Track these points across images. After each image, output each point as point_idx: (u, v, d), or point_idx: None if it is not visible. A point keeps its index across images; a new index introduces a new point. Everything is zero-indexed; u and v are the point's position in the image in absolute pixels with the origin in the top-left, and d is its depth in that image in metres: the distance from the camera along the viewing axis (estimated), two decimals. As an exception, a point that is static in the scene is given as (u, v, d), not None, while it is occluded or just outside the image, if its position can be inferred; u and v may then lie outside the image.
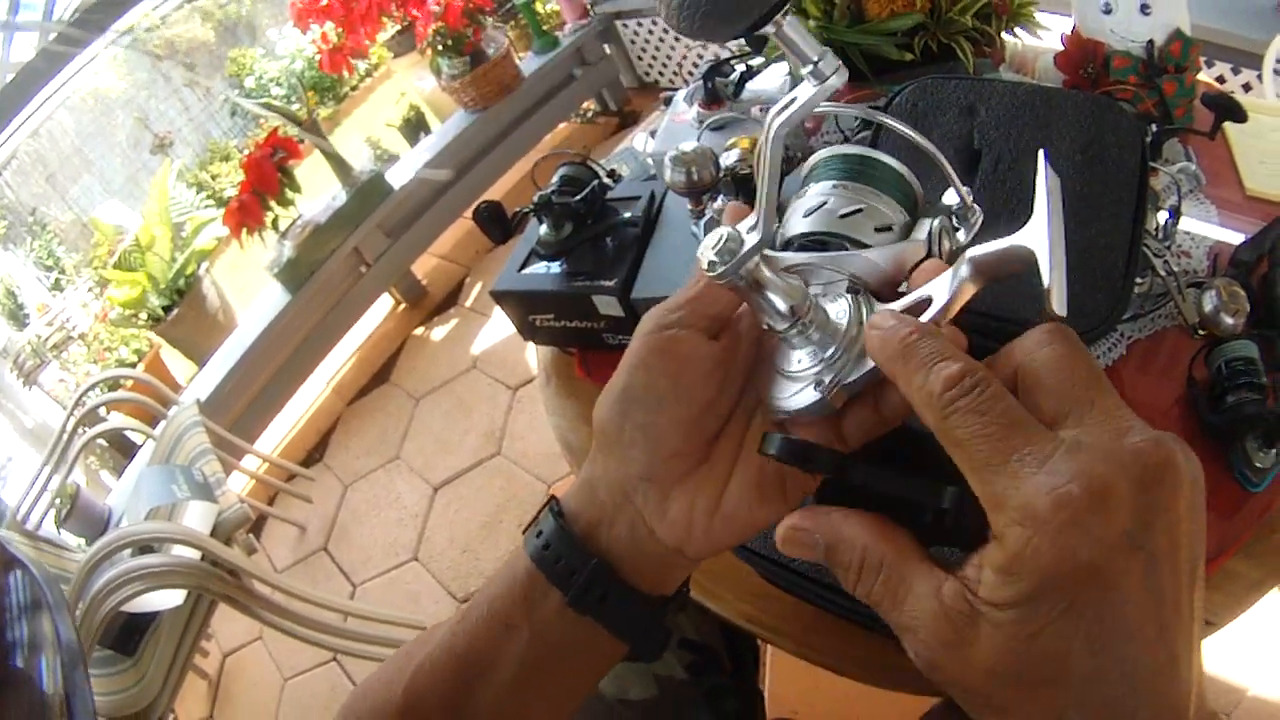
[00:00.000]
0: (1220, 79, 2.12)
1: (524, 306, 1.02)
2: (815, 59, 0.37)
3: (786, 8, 0.36)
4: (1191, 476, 0.30)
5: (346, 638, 1.86)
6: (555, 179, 1.02)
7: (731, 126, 1.07)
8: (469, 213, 3.20)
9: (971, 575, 0.31)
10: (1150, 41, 1.04)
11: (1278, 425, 0.71)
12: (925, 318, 0.36)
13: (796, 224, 0.44)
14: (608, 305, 0.95)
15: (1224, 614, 0.68)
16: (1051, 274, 0.33)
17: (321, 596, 1.90)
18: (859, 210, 0.42)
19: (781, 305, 0.39)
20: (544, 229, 0.99)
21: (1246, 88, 2.09)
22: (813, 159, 0.46)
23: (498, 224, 0.93)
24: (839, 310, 0.40)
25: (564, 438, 1.03)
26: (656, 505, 0.42)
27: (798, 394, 0.40)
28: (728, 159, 0.90)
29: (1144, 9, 1.05)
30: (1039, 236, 0.34)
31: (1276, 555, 0.70)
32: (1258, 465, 0.71)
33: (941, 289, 0.37)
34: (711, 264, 0.39)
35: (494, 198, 3.30)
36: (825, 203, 0.43)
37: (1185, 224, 0.97)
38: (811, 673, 0.76)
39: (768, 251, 0.40)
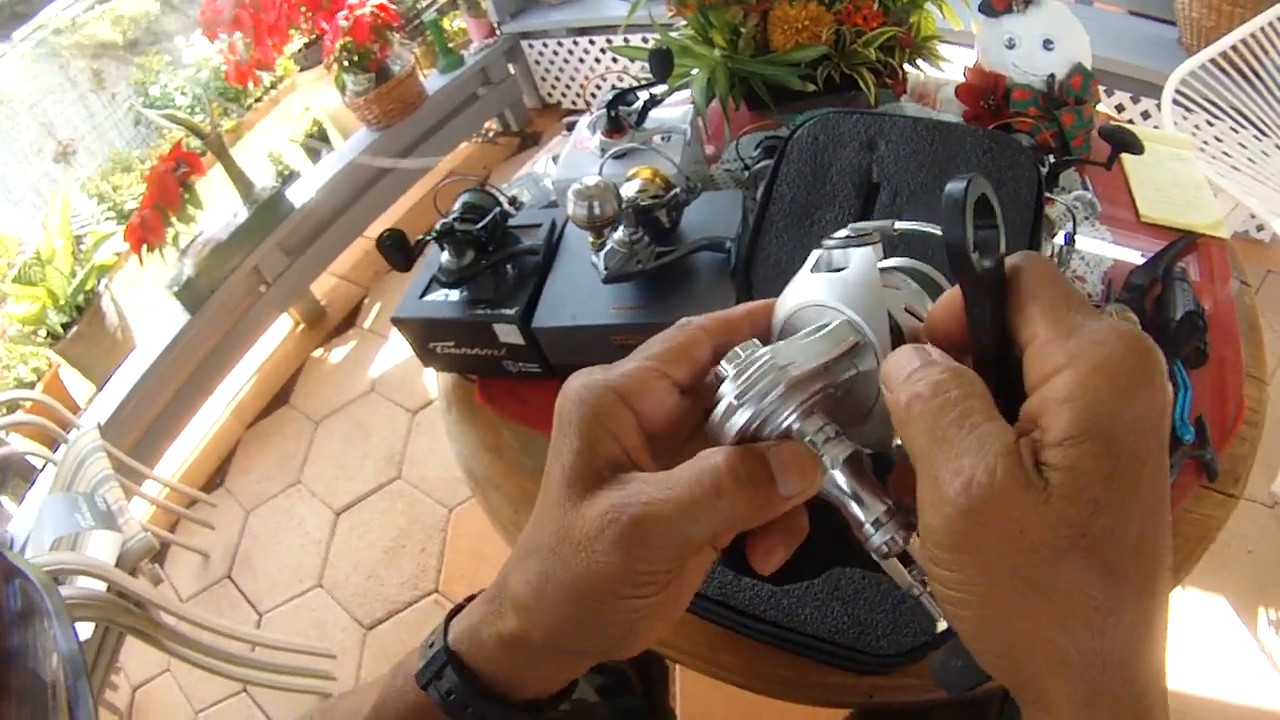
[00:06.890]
0: (1120, 107, 2.22)
1: (424, 333, 1.02)
2: None
3: None
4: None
5: (255, 668, 1.83)
6: (457, 205, 1.01)
7: (633, 156, 1.07)
8: (368, 232, 3.17)
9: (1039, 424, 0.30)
10: (1051, 75, 1.09)
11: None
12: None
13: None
14: (508, 333, 0.95)
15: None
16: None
17: (229, 627, 1.84)
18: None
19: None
20: (445, 256, 0.98)
21: (1145, 115, 2.20)
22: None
23: (401, 252, 0.92)
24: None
25: (465, 464, 1.02)
26: None
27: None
28: (628, 190, 0.91)
29: (1047, 44, 1.09)
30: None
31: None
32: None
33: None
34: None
35: (394, 218, 3.31)
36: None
37: (1081, 247, 1.02)
38: (722, 690, 0.77)
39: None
